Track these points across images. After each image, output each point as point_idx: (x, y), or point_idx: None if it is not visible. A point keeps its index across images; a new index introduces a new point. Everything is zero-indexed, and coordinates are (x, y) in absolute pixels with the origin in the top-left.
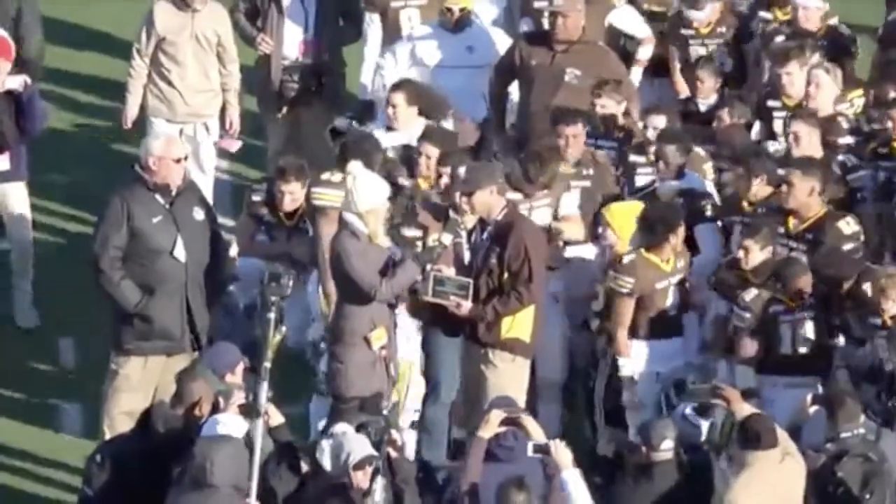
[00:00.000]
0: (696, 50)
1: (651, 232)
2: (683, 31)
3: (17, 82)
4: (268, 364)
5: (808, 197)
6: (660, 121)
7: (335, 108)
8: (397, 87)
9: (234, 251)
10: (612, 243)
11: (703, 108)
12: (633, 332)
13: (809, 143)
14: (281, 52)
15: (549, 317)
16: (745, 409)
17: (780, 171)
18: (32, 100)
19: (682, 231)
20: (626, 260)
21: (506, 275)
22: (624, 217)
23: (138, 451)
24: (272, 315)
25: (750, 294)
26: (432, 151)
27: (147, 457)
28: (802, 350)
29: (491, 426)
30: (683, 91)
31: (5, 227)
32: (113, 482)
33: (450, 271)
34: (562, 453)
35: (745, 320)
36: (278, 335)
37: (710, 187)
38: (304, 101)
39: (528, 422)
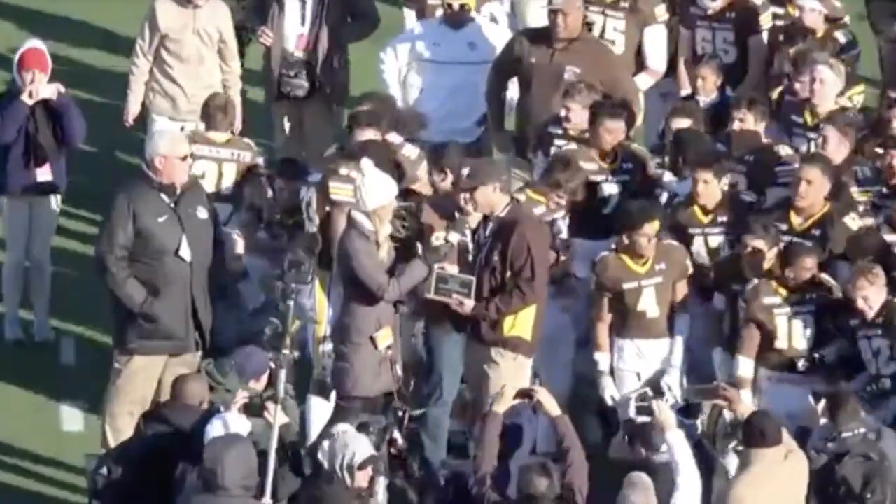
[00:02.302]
0: (703, 33)
1: (619, 229)
2: (693, 10)
3: (50, 91)
4: (286, 351)
5: (821, 195)
6: (682, 123)
7: (338, 103)
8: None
9: (240, 248)
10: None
11: (704, 105)
12: (617, 332)
13: (837, 149)
14: (281, 46)
15: (558, 329)
16: (746, 409)
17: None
18: (68, 109)
19: (647, 230)
20: (598, 258)
21: (508, 272)
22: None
23: (140, 457)
24: (291, 302)
25: (750, 285)
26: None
27: (148, 461)
28: (798, 346)
29: (505, 400)
30: (685, 85)
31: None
32: (119, 492)
33: (453, 269)
34: (666, 413)
35: (744, 311)
36: (298, 322)
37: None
38: (306, 96)
39: (542, 393)
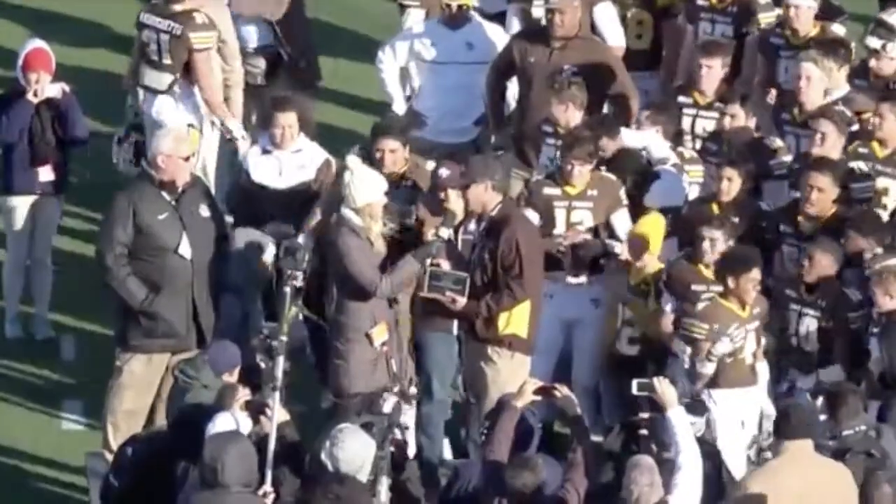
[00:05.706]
0: (704, 26)
1: (725, 273)
2: (699, 2)
3: (55, 90)
4: (284, 338)
5: (830, 201)
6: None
7: (303, 90)
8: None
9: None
10: (645, 262)
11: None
12: (717, 383)
13: (835, 146)
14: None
15: (590, 321)
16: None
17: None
18: (72, 108)
19: (755, 275)
20: (700, 306)
21: (499, 270)
22: (654, 229)
23: (167, 448)
24: (288, 289)
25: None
26: (393, 145)
27: (175, 454)
28: (806, 347)
29: (525, 396)
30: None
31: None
32: (140, 475)
33: (446, 265)
34: (668, 391)
35: None
36: (294, 308)
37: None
38: (267, 85)
39: (563, 391)
